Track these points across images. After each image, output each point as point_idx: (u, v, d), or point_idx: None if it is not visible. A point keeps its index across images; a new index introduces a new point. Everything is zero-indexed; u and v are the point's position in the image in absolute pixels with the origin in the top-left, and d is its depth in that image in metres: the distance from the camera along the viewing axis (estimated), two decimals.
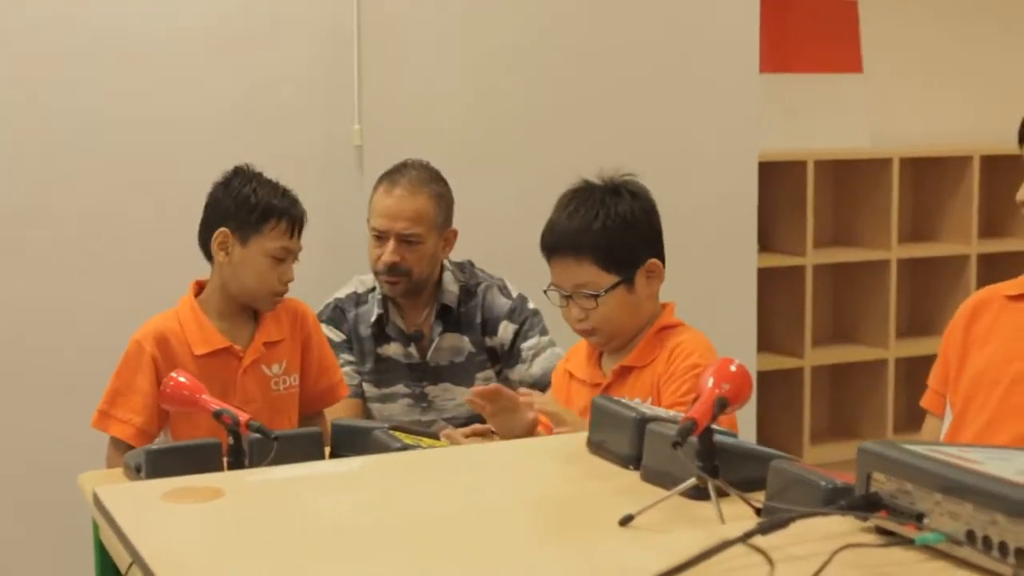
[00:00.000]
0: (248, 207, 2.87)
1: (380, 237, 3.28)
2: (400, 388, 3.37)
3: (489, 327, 3.38)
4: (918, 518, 1.33)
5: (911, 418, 5.57)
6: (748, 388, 1.68)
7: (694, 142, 4.40)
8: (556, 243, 2.61)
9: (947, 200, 5.55)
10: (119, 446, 2.76)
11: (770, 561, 1.22)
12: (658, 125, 4.34)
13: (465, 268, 3.46)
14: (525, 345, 3.36)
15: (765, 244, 5.20)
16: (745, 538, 1.26)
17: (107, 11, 3.73)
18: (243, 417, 2.26)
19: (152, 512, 1.76)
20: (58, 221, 3.70)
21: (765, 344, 5.07)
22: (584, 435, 2.04)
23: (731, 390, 1.66)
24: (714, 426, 1.69)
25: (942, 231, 5.58)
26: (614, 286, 2.58)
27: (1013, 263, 5.54)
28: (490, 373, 3.38)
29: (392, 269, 3.26)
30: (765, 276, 4.77)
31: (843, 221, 5.52)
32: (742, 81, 4.47)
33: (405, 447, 2.34)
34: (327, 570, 1.48)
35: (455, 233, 3.37)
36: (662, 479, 1.77)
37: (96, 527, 2.45)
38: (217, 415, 2.28)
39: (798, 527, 1.37)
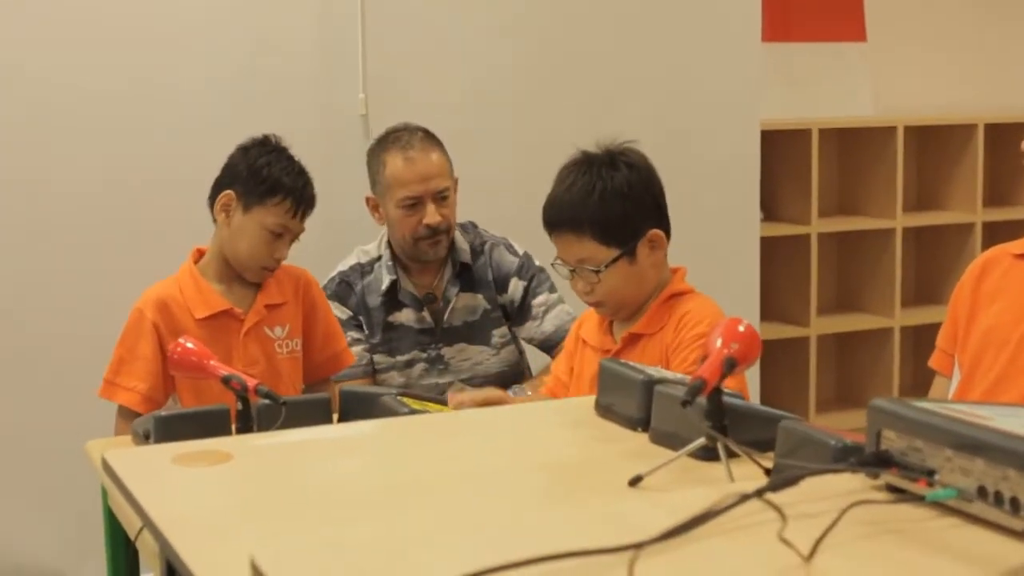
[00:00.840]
0: (259, 177, 2.89)
1: (414, 204, 3.26)
2: (416, 354, 3.37)
3: (499, 284, 3.38)
4: (929, 474, 1.33)
5: (917, 386, 5.57)
6: (757, 348, 1.68)
7: (697, 111, 4.39)
8: (556, 219, 2.62)
9: (952, 168, 5.54)
10: (126, 414, 2.77)
11: (783, 516, 1.22)
12: (661, 94, 4.33)
13: (469, 228, 3.46)
14: (536, 302, 3.37)
15: (769, 213, 5.20)
16: (757, 494, 1.26)
17: None
18: (251, 382, 2.27)
19: (162, 476, 1.76)
20: (58, 196, 3.70)
21: (770, 313, 5.08)
22: (591, 398, 2.04)
23: (739, 350, 1.65)
24: (723, 388, 1.69)
25: (947, 199, 5.57)
26: (615, 260, 2.58)
27: (1018, 231, 5.49)
28: (505, 331, 3.39)
29: (437, 230, 3.26)
30: (770, 245, 4.76)
31: (847, 190, 5.51)
32: (744, 50, 4.46)
33: (412, 412, 2.34)
34: (338, 531, 1.49)
35: (457, 182, 3.39)
36: (671, 441, 1.78)
37: (105, 494, 2.47)
38: (225, 380, 2.28)
39: (809, 485, 1.37)
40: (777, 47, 5.26)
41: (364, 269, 3.40)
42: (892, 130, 5.28)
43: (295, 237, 2.93)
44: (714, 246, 4.38)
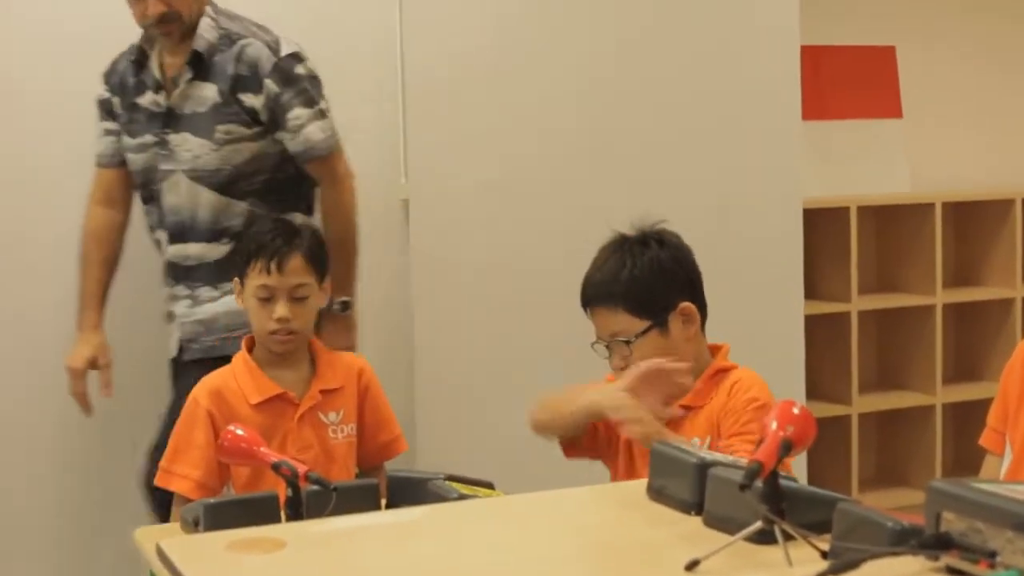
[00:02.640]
0: (240, 252, 2.96)
1: None
2: (148, 138, 3.46)
3: (249, 84, 3.39)
4: (990, 556, 1.33)
5: (958, 463, 5.53)
6: (812, 430, 1.68)
7: (740, 190, 4.40)
8: (590, 295, 2.71)
9: (990, 243, 5.53)
10: (181, 502, 2.78)
11: None
12: (704, 173, 4.34)
13: (236, 18, 3.49)
14: (290, 115, 3.40)
15: (809, 291, 5.19)
16: (831, 573, 1.26)
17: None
18: (302, 469, 2.27)
19: (218, 563, 1.77)
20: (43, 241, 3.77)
21: (811, 391, 5.06)
22: (643, 482, 2.04)
23: (795, 432, 1.66)
24: (779, 471, 1.69)
25: (986, 275, 5.55)
26: (646, 330, 2.64)
27: None
28: (233, 128, 3.40)
29: (162, 18, 3.35)
30: (810, 323, 4.75)
31: (886, 266, 5.50)
32: (785, 128, 4.48)
33: (462, 497, 2.34)
34: None
35: None
36: (725, 524, 1.77)
37: None
38: (275, 467, 2.29)
39: (869, 568, 1.37)
40: (814, 125, 5.28)
41: (132, 50, 3.51)
42: (930, 206, 5.28)
43: (293, 294, 2.89)
44: (758, 325, 4.37)
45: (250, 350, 2.94)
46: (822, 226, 5.13)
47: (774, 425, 1.67)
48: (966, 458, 5.60)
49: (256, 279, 2.89)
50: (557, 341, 3.99)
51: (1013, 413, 2.29)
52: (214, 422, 2.80)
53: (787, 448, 1.64)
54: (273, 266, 2.87)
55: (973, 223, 5.57)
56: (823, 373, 5.19)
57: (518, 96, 4.13)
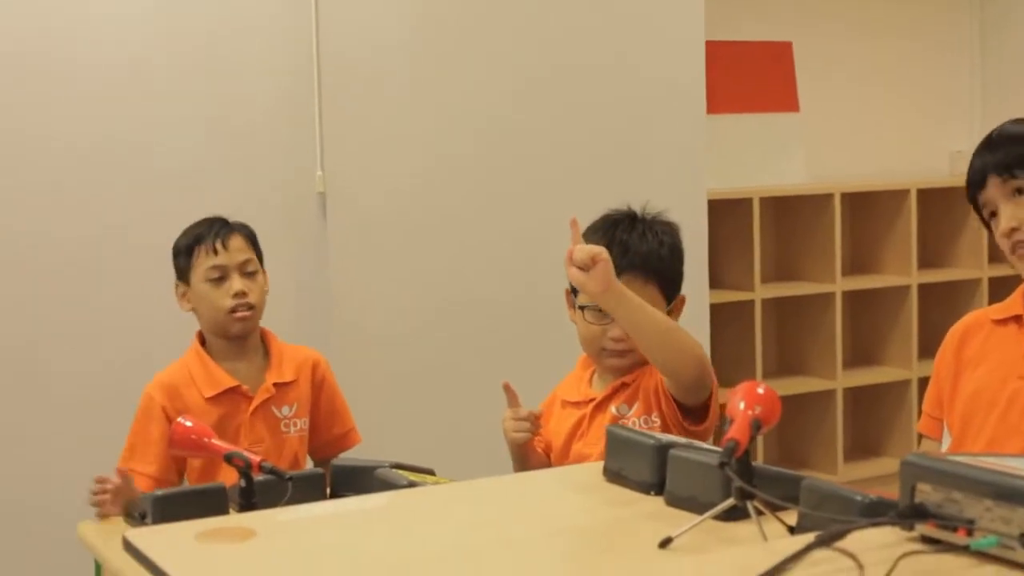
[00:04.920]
0: (177, 253, 2.97)
1: None
2: None
3: None
4: (968, 523, 1.39)
5: (857, 446, 5.69)
6: (778, 409, 1.73)
7: (646, 183, 4.47)
8: (628, 263, 2.62)
9: (886, 233, 5.68)
10: None
11: (860, 565, 1.27)
12: (611, 168, 4.41)
13: None
14: None
15: (712, 280, 5.28)
16: (813, 547, 1.31)
17: (68, 53, 3.75)
18: (255, 459, 2.28)
19: (192, 553, 1.77)
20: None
21: (717, 378, 5.14)
22: (598, 465, 2.08)
23: (763, 412, 1.71)
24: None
25: (882, 263, 5.70)
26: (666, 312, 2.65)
27: (951, 292, 5.70)
28: None
29: None
30: (714, 311, 4.84)
31: (787, 256, 5.62)
32: (690, 122, 4.56)
33: (412, 484, 2.36)
34: None
35: None
36: (687, 503, 1.82)
37: (99, 574, 2.47)
38: (228, 458, 2.30)
39: (847, 541, 1.42)
40: (714, 119, 5.37)
41: None
42: (828, 197, 5.41)
43: (243, 269, 2.92)
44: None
45: (202, 344, 2.95)
46: (724, 217, 5.23)
47: (742, 405, 1.72)
48: (864, 441, 5.76)
49: (204, 262, 2.90)
50: (476, 332, 4.04)
51: (948, 399, 2.37)
52: (168, 417, 2.79)
53: (757, 427, 1.69)
54: (218, 245, 2.89)
55: (869, 213, 5.71)
56: (727, 360, 5.28)
57: (433, 90, 4.15)
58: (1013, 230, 2.22)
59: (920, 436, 2.47)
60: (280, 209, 3.96)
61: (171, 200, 3.77)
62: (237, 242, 2.93)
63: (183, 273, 2.95)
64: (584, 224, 2.70)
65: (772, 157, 5.64)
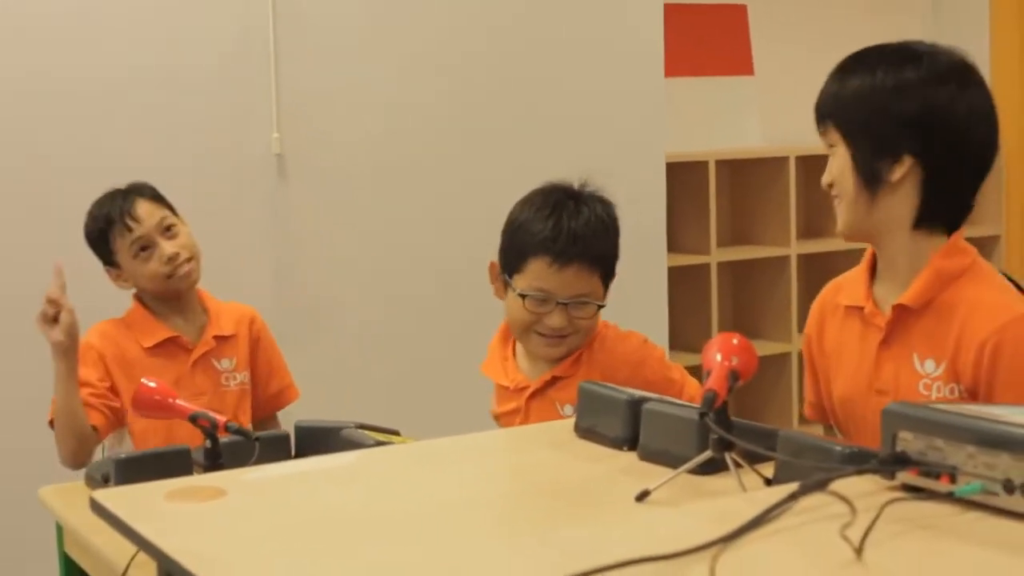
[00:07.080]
0: (92, 241, 2.93)
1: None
2: None
3: None
4: (951, 470, 1.39)
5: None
6: (755, 361, 1.73)
7: (606, 146, 4.47)
8: (576, 252, 2.47)
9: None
10: None
11: (853, 510, 1.26)
12: (570, 131, 4.40)
13: None
14: None
15: (669, 244, 5.28)
16: (799, 495, 1.31)
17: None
18: (221, 420, 2.26)
19: (162, 512, 1.74)
20: None
21: (673, 341, 5.15)
22: (568, 422, 2.07)
23: (740, 363, 1.70)
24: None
25: (833, 226, 5.71)
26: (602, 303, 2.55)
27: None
28: None
29: None
30: (671, 274, 4.85)
31: (742, 219, 5.63)
32: (649, 85, 4.56)
33: (379, 444, 2.35)
34: (351, 559, 1.48)
35: None
36: (661, 457, 1.81)
37: (61, 537, 2.43)
38: (193, 418, 2.27)
39: (828, 490, 1.42)
40: (670, 81, 5.37)
41: None
42: (784, 160, 5.42)
43: (164, 229, 2.89)
44: (624, 277, 4.43)
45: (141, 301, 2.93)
46: (680, 180, 5.23)
47: (719, 357, 1.71)
48: None
49: (123, 242, 2.87)
50: (435, 292, 4.02)
51: (825, 391, 2.32)
52: (105, 363, 2.78)
53: (735, 378, 1.68)
54: (128, 220, 2.85)
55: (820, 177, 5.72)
56: (684, 324, 5.30)
57: (391, 49, 4.13)
58: (829, 186, 2.20)
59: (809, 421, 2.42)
60: (237, 172, 3.91)
61: (124, 164, 3.70)
62: (144, 208, 2.89)
63: (108, 258, 2.92)
64: (519, 194, 2.60)
65: (727, 120, 5.65)
